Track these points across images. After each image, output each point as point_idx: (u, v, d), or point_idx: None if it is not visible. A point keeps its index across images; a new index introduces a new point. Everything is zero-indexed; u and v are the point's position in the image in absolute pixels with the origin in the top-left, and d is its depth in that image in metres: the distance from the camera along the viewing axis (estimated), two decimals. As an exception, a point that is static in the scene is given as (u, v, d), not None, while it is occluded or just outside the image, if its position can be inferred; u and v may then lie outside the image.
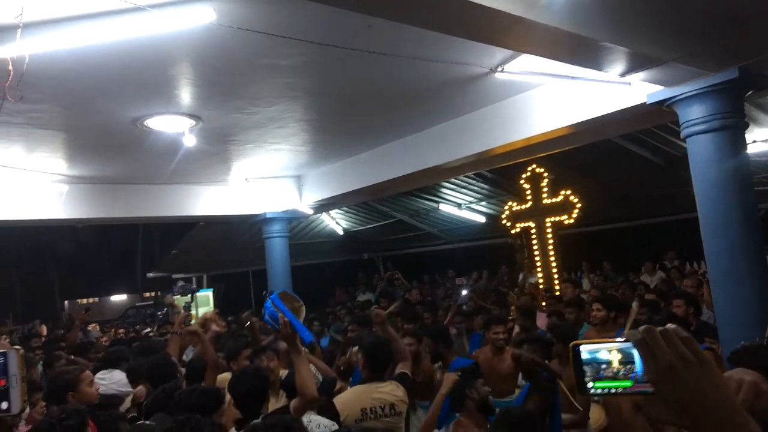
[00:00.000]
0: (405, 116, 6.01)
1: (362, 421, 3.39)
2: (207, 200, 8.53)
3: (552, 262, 9.66)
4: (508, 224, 9.94)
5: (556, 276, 9.63)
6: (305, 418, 3.05)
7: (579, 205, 8.98)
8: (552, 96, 5.20)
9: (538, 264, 9.86)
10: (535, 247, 9.85)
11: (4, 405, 1.24)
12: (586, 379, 0.98)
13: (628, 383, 0.95)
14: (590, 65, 3.80)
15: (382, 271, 16.94)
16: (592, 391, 0.98)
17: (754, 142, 7.52)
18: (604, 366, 0.96)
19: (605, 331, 5.47)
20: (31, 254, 21.94)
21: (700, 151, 4.23)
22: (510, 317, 7.22)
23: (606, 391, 0.97)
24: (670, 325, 0.91)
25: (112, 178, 7.49)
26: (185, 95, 4.71)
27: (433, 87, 5.06)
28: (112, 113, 4.94)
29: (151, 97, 4.66)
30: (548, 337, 4.54)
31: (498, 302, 8.32)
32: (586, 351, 0.99)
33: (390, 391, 3.59)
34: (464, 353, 5.82)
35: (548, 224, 9.47)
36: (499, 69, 4.60)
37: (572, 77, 4.45)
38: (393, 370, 3.82)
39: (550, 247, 9.65)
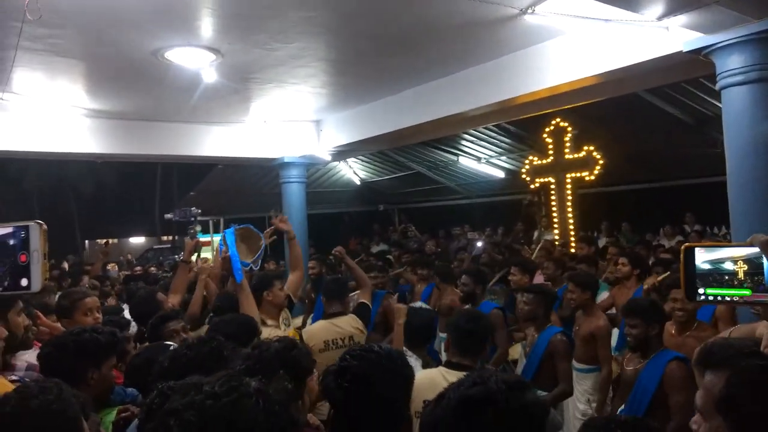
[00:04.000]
0: (427, 60, 5.85)
1: (325, 351, 3.88)
2: (225, 141, 8.49)
3: (569, 219, 9.57)
4: (528, 179, 9.83)
5: (572, 234, 9.56)
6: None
7: (601, 162, 8.81)
8: (582, 43, 5.00)
9: (555, 221, 9.78)
10: (554, 204, 9.74)
11: (24, 282, 1.19)
12: (697, 284, 0.91)
13: (746, 291, 0.89)
14: (627, 5, 3.62)
15: (397, 223, 16.97)
16: (702, 297, 0.92)
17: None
18: (727, 277, 0.89)
19: (626, 288, 5.44)
20: (53, 191, 22.18)
21: (735, 105, 4.05)
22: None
23: (720, 299, 0.91)
24: None
25: (131, 113, 7.46)
26: (206, 26, 4.60)
27: (460, 28, 4.88)
28: (132, 43, 4.85)
29: (171, 27, 4.55)
30: (549, 289, 4.57)
31: (509, 262, 8.29)
32: (704, 259, 0.91)
33: (348, 323, 4.07)
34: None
35: (568, 180, 9.34)
36: (530, 11, 4.42)
37: (606, 20, 4.25)
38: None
39: (569, 204, 9.54)
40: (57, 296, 3.68)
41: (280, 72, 5.91)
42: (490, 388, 1.32)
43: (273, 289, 3.88)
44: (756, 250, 0.86)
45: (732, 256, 0.90)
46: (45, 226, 1.23)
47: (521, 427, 1.29)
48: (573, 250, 8.66)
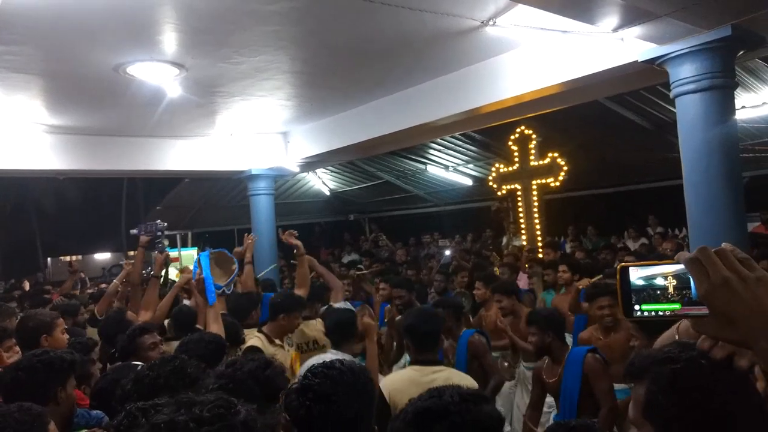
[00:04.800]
0: (393, 71, 5.91)
1: None
2: (191, 155, 8.40)
3: (536, 225, 9.71)
4: (495, 186, 9.95)
5: (539, 239, 9.70)
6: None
7: (566, 168, 8.99)
8: (543, 53, 5.13)
9: (523, 227, 9.92)
10: (521, 210, 9.89)
11: None
12: (633, 302, 0.96)
13: (676, 306, 0.93)
14: (583, 18, 3.74)
15: (368, 232, 16.97)
16: (639, 314, 0.96)
17: (743, 108, 7.54)
18: (659, 292, 0.94)
19: (567, 294, 5.60)
20: (14, 209, 21.59)
21: (689, 111, 4.21)
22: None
23: (653, 314, 0.95)
24: (726, 245, 0.89)
25: (94, 128, 7.32)
26: (169, 41, 4.57)
27: (424, 40, 4.96)
28: (93, 58, 4.79)
29: (133, 41, 4.51)
30: (458, 301, 4.72)
31: (479, 266, 8.38)
32: (638, 276, 0.96)
33: (314, 327, 4.18)
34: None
35: (534, 186, 9.49)
36: (491, 22, 4.51)
37: (564, 31, 4.37)
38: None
39: (535, 211, 9.69)
40: (18, 318, 3.59)
41: (245, 85, 5.90)
42: (445, 401, 1.34)
43: (291, 316, 3.86)
44: (682, 266, 0.92)
45: (663, 272, 0.95)
46: None
47: None
48: (540, 256, 8.79)
